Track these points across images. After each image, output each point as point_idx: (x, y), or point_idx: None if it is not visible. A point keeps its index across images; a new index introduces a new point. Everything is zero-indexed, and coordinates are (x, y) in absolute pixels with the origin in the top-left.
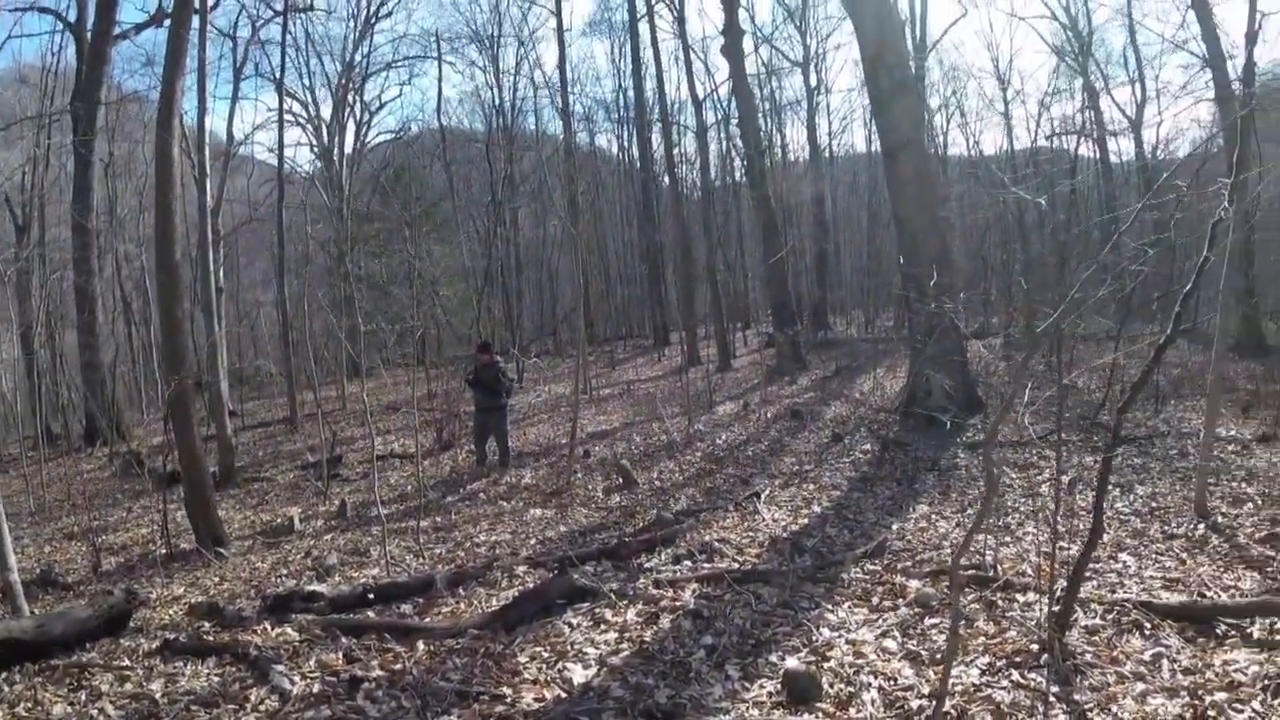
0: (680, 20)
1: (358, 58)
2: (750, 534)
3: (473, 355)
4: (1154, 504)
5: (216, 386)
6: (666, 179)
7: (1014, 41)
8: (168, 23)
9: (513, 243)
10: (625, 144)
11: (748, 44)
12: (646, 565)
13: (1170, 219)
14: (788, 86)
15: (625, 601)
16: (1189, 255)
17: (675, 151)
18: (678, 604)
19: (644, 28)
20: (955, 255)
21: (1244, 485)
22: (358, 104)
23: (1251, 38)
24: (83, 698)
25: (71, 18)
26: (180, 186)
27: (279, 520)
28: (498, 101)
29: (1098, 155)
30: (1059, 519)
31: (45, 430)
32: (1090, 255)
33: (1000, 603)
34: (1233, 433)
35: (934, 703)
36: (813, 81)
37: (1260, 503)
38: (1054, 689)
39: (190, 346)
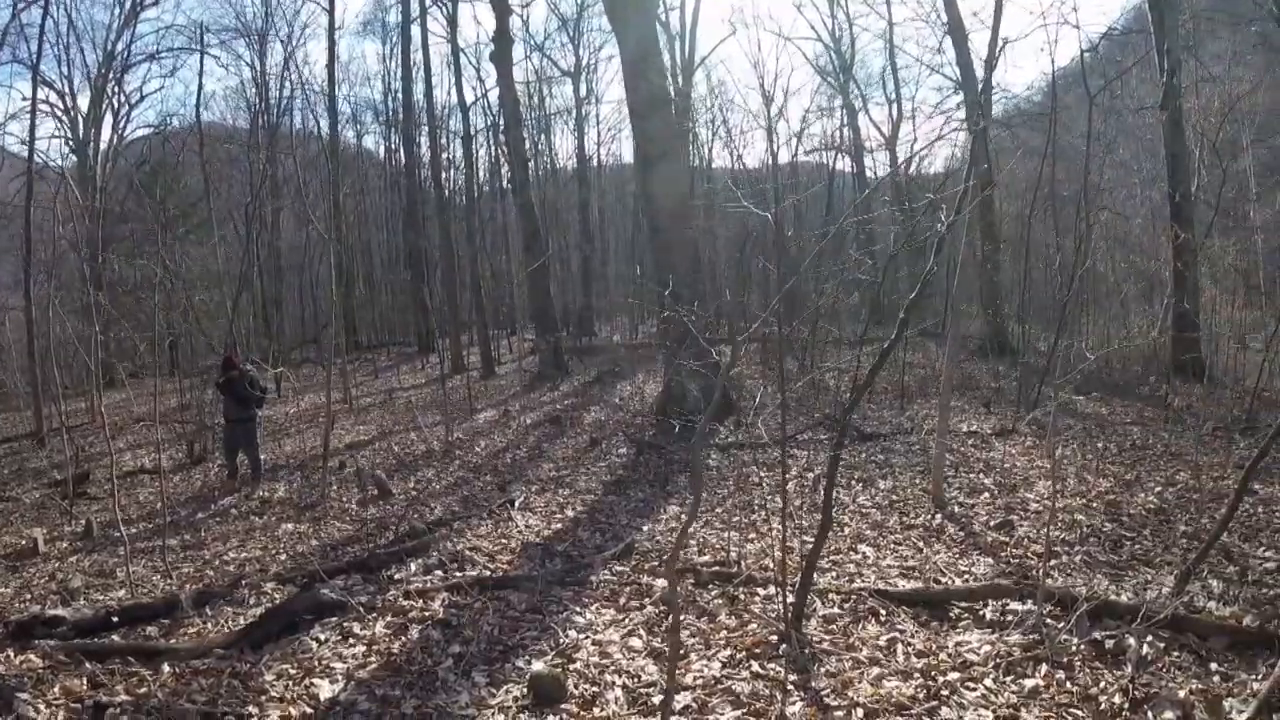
0: (452, 24)
1: (120, 47)
2: (503, 541)
3: (219, 367)
4: (894, 497)
5: None
6: (433, 183)
7: (779, 60)
8: None
9: (272, 246)
10: (392, 147)
11: (519, 51)
12: (397, 576)
13: (894, 233)
14: (558, 95)
15: (374, 614)
16: (940, 264)
17: (444, 156)
18: (427, 614)
19: (416, 30)
20: (719, 264)
21: (982, 476)
22: (117, 96)
23: (990, 64)
24: None
25: None
26: None
27: (23, 542)
28: (262, 99)
29: (855, 170)
30: (803, 514)
31: None
32: (839, 265)
33: (743, 597)
34: (974, 428)
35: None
36: (583, 91)
37: (996, 492)
38: (792, 677)
39: None
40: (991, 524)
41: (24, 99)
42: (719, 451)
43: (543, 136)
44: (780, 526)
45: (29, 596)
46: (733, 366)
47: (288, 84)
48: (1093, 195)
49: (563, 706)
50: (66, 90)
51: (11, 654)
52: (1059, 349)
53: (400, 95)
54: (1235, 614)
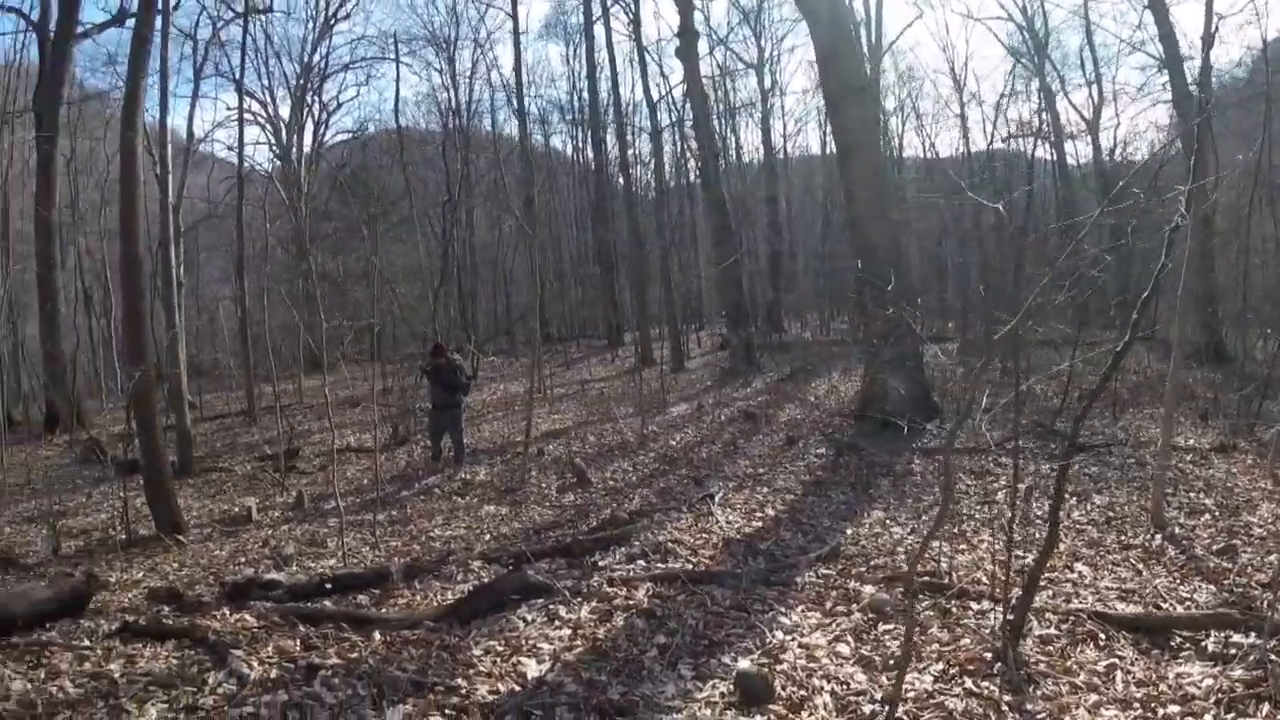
0: (635, 23)
1: (316, 59)
2: (704, 535)
3: (428, 354)
4: (1110, 514)
5: (177, 378)
6: (620, 180)
7: (970, 43)
8: (130, 22)
9: (468, 243)
10: (580, 145)
11: (702, 46)
12: (601, 563)
13: (1128, 225)
14: (742, 88)
15: (579, 599)
16: (1146, 261)
17: (629, 153)
18: (631, 602)
19: (599, 30)
20: (911, 258)
21: (1201, 496)
22: (316, 104)
23: (1208, 40)
24: (41, 675)
25: (35, 17)
26: (143, 183)
27: (237, 510)
28: (454, 103)
29: (1054, 158)
30: (1013, 527)
31: (5, 417)
32: (1047, 260)
33: (955, 610)
34: (1191, 442)
35: (886, 708)
36: (767, 83)
37: (1217, 514)
38: (1007, 698)
39: (151, 339)
40: (1214, 548)
41: (229, 109)
42: (922, 456)
43: (729, 130)
44: (1003, 539)
45: (243, 560)
46: (986, 365)
47: (476, 87)
48: None
49: (770, 707)
50: (268, 100)
51: (227, 613)
52: None
53: (586, 94)
54: None
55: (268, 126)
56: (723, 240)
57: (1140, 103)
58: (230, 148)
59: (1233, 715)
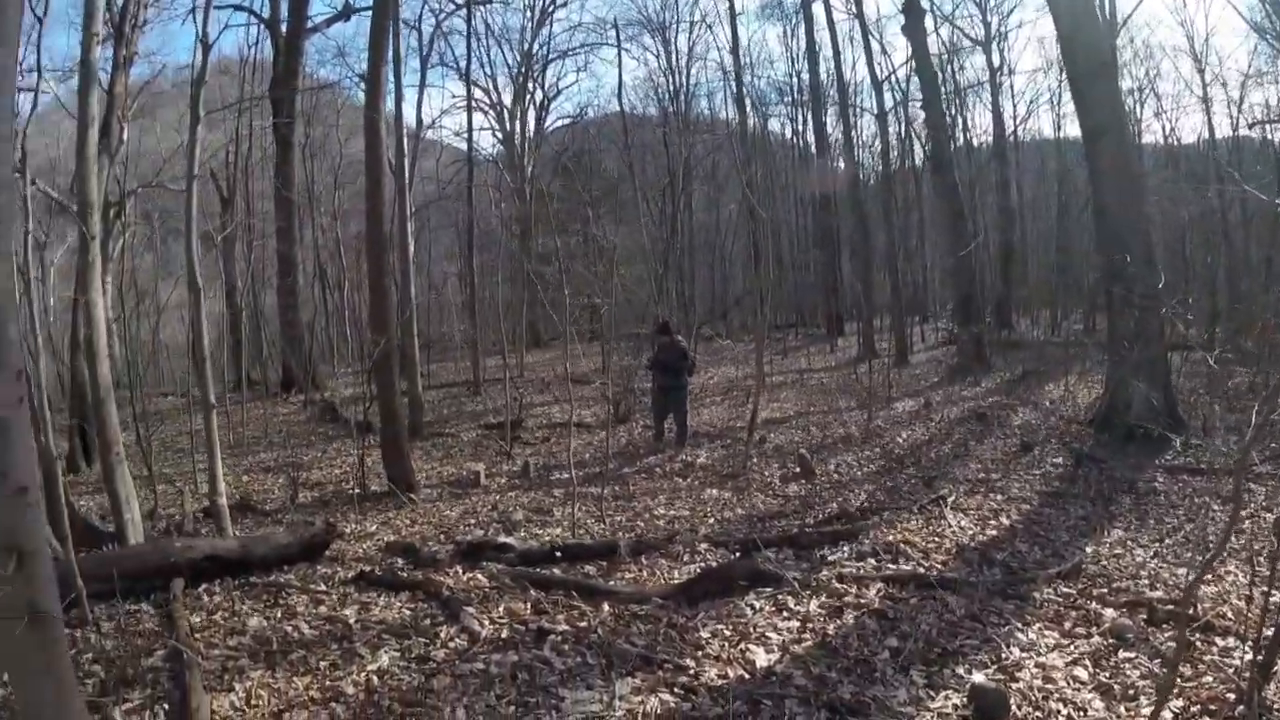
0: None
1: (536, 46)
2: (935, 539)
3: (653, 334)
4: None
5: (410, 347)
6: (842, 163)
7: (1210, 18)
8: (355, 17)
9: (686, 225)
10: (799, 128)
11: (927, 23)
12: (829, 558)
13: None
14: (968, 67)
15: (808, 592)
16: None
17: (852, 135)
18: (862, 601)
19: (818, 9)
20: (1157, 253)
21: None
22: (537, 90)
23: None
24: (278, 614)
25: (266, 14)
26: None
27: (464, 473)
28: (672, 87)
29: None
30: (1261, 559)
31: (245, 377)
32: None
33: (1199, 644)
34: None
35: None
36: (995, 61)
37: None
38: None
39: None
40: None
41: (454, 96)
42: (1167, 473)
43: (955, 112)
44: (1256, 572)
45: (473, 521)
46: None
47: (694, 71)
48: None
49: None
50: (491, 87)
51: (460, 571)
52: None
53: (805, 75)
54: None
55: (491, 113)
56: (955, 228)
57: None
58: (457, 133)
59: None
